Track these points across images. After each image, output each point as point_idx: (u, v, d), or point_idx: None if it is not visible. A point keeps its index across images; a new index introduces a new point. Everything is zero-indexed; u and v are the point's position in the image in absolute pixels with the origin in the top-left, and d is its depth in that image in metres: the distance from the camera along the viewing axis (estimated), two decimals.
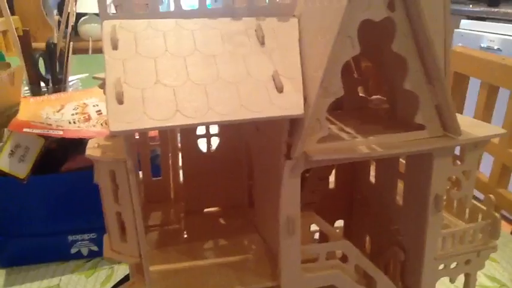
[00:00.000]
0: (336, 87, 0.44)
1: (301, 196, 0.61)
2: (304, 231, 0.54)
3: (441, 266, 0.55)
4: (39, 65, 1.06)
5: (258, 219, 0.59)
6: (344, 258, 0.52)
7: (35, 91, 1.04)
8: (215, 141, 0.64)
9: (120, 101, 0.40)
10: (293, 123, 0.44)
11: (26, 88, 1.05)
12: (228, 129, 0.63)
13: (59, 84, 1.06)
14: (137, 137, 0.65)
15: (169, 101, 0.41)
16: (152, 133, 0.68)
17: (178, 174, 0.66)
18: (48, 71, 1.07)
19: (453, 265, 0.55)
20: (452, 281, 0.56)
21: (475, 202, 0.56)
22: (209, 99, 0.42)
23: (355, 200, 0.69)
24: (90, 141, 0.50)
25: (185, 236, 0.60)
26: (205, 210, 0.65)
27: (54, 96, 0.92)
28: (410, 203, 0.54)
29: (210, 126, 0.64)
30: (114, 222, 0.47)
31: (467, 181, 0.52)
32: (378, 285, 0.53)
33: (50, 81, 1.06)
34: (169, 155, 0.66)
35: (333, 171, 0.70)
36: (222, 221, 0.63)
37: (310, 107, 0.43)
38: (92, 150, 0.47)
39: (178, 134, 0.65)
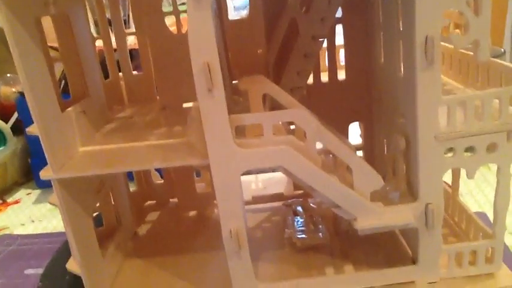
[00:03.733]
0: None
1: (284, 79, 0.50)
2: (254, 101, 0.42)
3: (449, 153, 0.39)
4: None
5: None
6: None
7: None
8: None
9: None
10: None
11: None
12: None
13: None
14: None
15: None
16: None
17: None
18: None
19: (468, 152, 0.39)
20: (469, 175, 0.39)
21: (498, 61, 0.39)
22: None
23: (373, 94, 0.54)
24: None
25: (142, 125, 0.51)
26: (184, 105, 0.56)
27: None
28: (396, 65, 0.39)
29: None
30: None
31: (477, 17, 0.35)
32: (353, 172, 0.39)
33: None
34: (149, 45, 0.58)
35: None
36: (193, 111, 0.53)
37: None
38: None
39: None
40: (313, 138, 0.38)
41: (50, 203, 0.44)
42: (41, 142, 0.40)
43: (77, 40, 0.48)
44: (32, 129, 0.42)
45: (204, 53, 0.35)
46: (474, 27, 0.35)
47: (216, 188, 0.39)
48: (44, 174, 0.40)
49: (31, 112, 0.39)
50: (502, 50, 0.78)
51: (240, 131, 0.40)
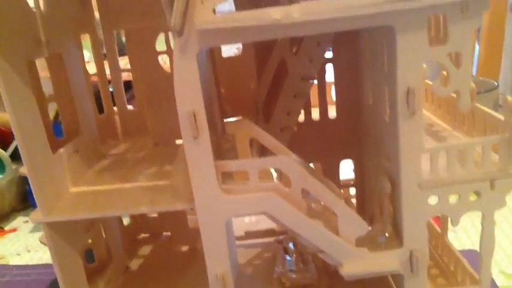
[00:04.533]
0: None
1: (274, 119, 0.51)
2: (242, 145, 0.42)
3: (434, 199, 0.39)
4: None
5: None
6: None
7: None
8: None
9: None
10: None
11: None
12: None
13: None
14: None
15: None
16: None
17: None
18: None
19: (453, 199, 0.39)
20: (454, 223, 0.40)
21: (482, 107, 0.39)
22: None
23: (362, 132, 0.55)
24: None
25: (134, 163, 0.51)
26: (178, 141, 0.57)
27: None
28: (382, 109, 0.39)
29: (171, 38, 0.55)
30: None
31: (457, 69, 0.35)
32: (338, 218, 0.39)
33: None
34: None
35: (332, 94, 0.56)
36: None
37: None
38: None
39: None
40: (297, 185, 0.39)
41: (41, 242, 0.45)
42: (30, 184, 0.40)
43: (70, 79, 0.49)
44: (23, 171, 0.42)
45: (190, 101, 0.36)
46: (455, 79, 0.35)
47: (202, 233, 0.39)
48: (34, 217, 0.41)
49: (21, 154, 0.40)
50: (496, 83, 0.78)
51: (227, 174, 0.41)
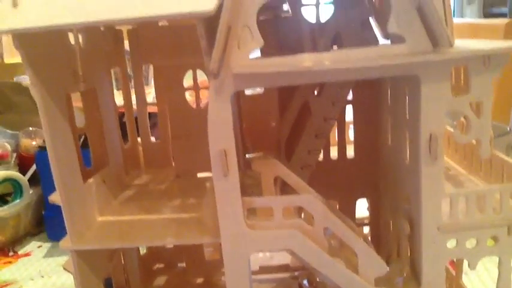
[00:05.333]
0: None
1: (295, 157, 0.52)
2: (267, 182, 0.44)
3: (452, 243, 0.40)
4: None
5: None
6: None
7: None
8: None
9: (15, 4, 0.36)
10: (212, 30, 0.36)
11: None
12: None
13: None
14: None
15: (65, 3, 0.36)
16: None
17: None
18: None
19: (470, 243, 0.40)
20: (471, 266, 0.41)
21: (500, 154, 0.41)
22: (110, 1, 0.35)
23: (380, 172, 0.56)
24: None
25: (157, 195, 0.53)
26: (199, 174, 0.58)
27: None
28: (402, 152, 0.41)
29: (198, 75, 0.58)
30: None
31: (479, 119, 0.37)
32: (359, 257, 0.40)
33: None
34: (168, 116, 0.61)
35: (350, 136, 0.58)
36: (208, 184, 0.55)
37: (227, 6, 0.34)
38: None
39: None
40: (320, 223, 0.40)
41: (64, 269, 0.46)
42: (63, 212, 0.42)
43: (102, 112, 0.51)
44: (54, 198, 0.44)
45: (222, 140, 0.37)
46: (476, 128, 0.37)
47: (225, 267, 0.40)
48: (64, 244, 0.42)
49: (55, 183, 0.42)
50: (508, 128, 0.80)
51: (251, 209, 0.42)
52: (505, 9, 2.61)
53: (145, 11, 0.34)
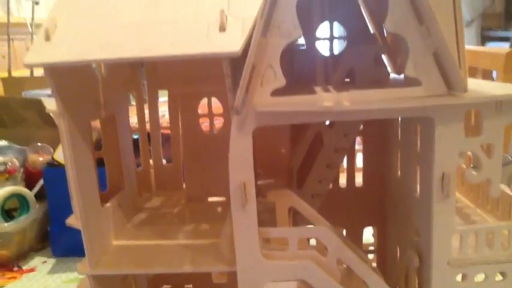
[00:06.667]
0: (289, 26, 0.36)
1: (306, 185, 0.54)
2: (281, 213, 0.45)
3: (460, 276, 0.41)
4: None
5: None
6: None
7: None
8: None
9: (47, 38, 0.38)
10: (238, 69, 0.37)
11: None
12: None
13: None
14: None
15: (95, 39, 0.37)
16: None
17: None
18: None
19: (479, 277, 0.41)
20: None
21: (507, 191, 0.42)
22: (139, 38, 0.37)
23: (388, 202, 0.58)
24: None
25: (170, 219, 0.54)
26: (210, 199, 0.60)
27: None
28: (412, 185, 0.42)
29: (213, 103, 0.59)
30: None
31: (490, 159, 0.39)
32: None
33: None
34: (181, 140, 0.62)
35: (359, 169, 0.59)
36: (219, 209, 0.57)
37: (253, 48, 0.36)
38: None
39: None
40: (334, 255, 0.41)
41: None
42: (82, 236, 0.43)
43: (119, 137, 0.52)
44: (71, 222, 0.45)
45: (242, 173, 0.39)
46: (487, 168, 0.39)
47: None
48: (82, 269, 0.43)
49: (76, 206, 0.43)
50: (510, 157, 0.82)
51: (266, 239, 0.43)
52: (502, 33, 2.66)
53: (175, 50, 0.35)
